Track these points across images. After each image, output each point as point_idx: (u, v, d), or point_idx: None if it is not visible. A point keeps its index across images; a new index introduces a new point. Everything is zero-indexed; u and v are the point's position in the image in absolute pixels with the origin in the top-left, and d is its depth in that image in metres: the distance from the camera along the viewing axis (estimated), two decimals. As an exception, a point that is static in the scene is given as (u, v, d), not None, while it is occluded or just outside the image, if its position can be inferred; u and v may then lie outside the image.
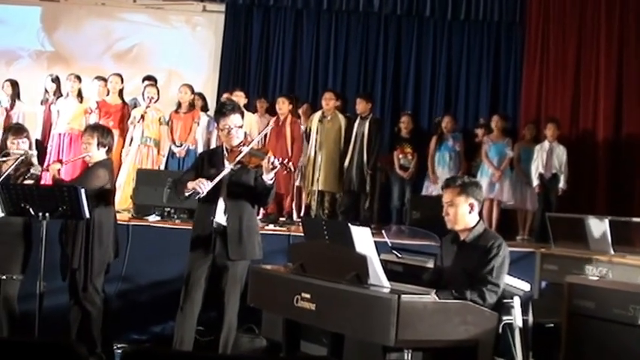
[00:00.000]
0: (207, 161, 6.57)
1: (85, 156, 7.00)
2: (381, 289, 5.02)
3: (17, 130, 7.21)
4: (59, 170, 7.18)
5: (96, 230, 6.73)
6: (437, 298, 4.99)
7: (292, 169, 6.42)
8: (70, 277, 6.81)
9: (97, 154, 6.91)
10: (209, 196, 6.28)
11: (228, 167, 6.28)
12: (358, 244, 5.19)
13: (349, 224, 5.34)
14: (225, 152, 6.46)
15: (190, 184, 6.20)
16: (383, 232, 7.44)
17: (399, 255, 6.80)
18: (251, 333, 7.77)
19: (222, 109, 6.54)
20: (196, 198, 6.29)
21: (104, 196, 6.84)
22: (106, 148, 6.97)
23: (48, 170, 7.18)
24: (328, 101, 10.71)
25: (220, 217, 6.40)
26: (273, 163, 6.07)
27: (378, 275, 5.08)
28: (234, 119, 6.42)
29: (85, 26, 14.18)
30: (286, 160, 6.25)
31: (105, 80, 11.22)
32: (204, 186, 6.13)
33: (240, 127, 6.48)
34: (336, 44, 13.46)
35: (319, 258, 5.45)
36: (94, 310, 6.85)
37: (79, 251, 6.69)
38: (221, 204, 6.39)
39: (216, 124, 6.90)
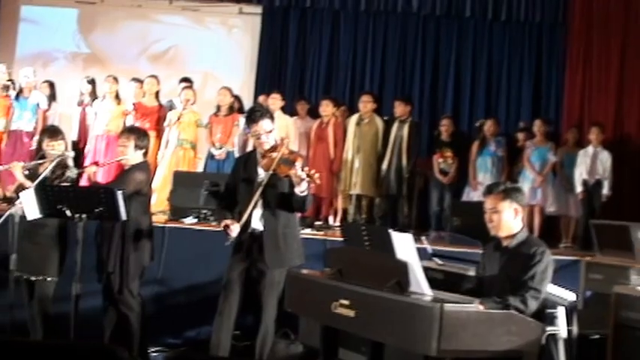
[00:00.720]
0: (243, 166, 6.59)
1: (121, 159, 7.00)
2: (422, 298, 4.94)
3: (52, 132, 7.26)
4: (95, 172, 7.20)
5: (132, 233, 6.75)
6: (481, 306, 4.91)
7: (318, 181, 6.32)
8: (105, 280, 6.83)
9: (134, 157, 6.91)
10: (246, 202, 6.27)
11: (261, 175, 6.29)
12: (399, 251, 5.12)
13: (390, 230, 5.27)
14: (258, 157, 6.45)
15: (223, 223, 6.31)
16: (423, 238, 7.39)
17: (440, 262, 6.75)
18: (287, 338, 7.71)
19: (252, 116, 6.51)
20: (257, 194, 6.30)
21: (141, 199, 6.86)
22: (143, 150, 6.98)
23: (84, 172, 7.20)
24: (366, 104, 10.67)
25: (257, 223, 6.38)
26: (300, 176, 6.04)
27: (419, 283, 5.01)
28: (264, 125, 6.39)
29: (121, 28, 14.32)
30: (312, 171, 6.15)
31: (141, 82, 11.31)
32: (232, 232, 6.23)
33: (270, 132, 6.44)
34: (374, 45, 13.40)
35: (358, 264, 5.38)
36: (130, 313, 6.86)
37: (115, 254, 6.72)
38: (257, 210, 6.37)
39: (248, 130, 6.86)
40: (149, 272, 7.28)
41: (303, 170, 6.06)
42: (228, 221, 6.26)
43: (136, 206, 6.75)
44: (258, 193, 6.22)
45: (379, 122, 10.67)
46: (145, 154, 7.08)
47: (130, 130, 7.20)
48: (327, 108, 10.83)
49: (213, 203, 7.77)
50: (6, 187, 7.27)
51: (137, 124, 10.23)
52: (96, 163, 7.61)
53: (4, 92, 11.13)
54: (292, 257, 6.47)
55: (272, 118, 6.55)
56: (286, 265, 6.40)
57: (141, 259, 6.86)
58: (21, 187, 6.84)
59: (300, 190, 6.11)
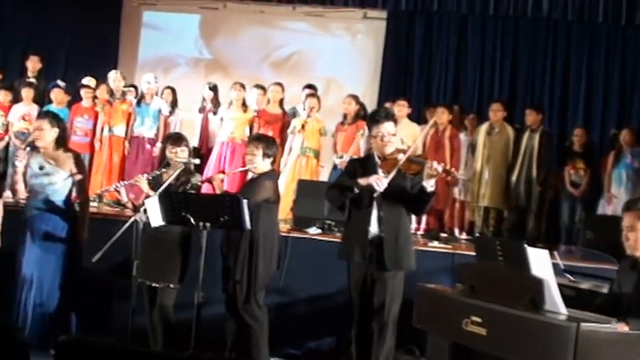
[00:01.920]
0: (360, 170, 6.53)
1: (250, 167, 7.07)
2: (557, 316, 4.86)
3: (176, 139, 7.37)
4: (222, 181, 7.29)
5: (260, 242, 6.79)
6: (625, 327, 4.79)
7: (456, 174, 6.29)
8: (231, 289, 6.89)
9: (262, 166, 6.97)
10: (363, 204, 6.27)
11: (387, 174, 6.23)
12: (534, 267, 5.05)
13: (526, 245, 5.20)
14: (377, 160, 6.44)
15: (363, 181, 6.21)
16: (556, 253, 7.25)
17: (573, 278, 6.62)
18: (411, 354, 7.67)
19: (376, 116, 6.55)
20: (375, 195, 6.24)
21: (269, 208, 6.91)
22: (271, 159, 7.04)
23: (210, 182, 7.27)
24: (496, 112, 10.59)
25: (375, 226, 6.37)
26: (436, 169, 5.99)
27: (554, 301, 4.93)
28: (387, 126, 6.39)
29: (244, 34, 14.52)
30: (448, 166, 6.13)
31: (264, 89, 11.41)
32: (382, 183, 6.14)
33: (394, 134, 6.44)
34: (503, 51, 13.28)
35: (491, 280, 5.31)
36: (255, 323, 6.92)
37: (242, 263, 6.78)
38: (375, 212, 6.36)
39: (369, 132, 6.84)
40: (271, 281, 7.33)
41: (439, 164, 6.02)
42: (377, 175, 6.20)
43: (264, 215, 6.81)
44: (391, 176, 6.17)
45: (510, 131, 10.58)
46: (273, 163, 7.14)
47: (257, 139, 7.24)
48: (442, 115, 10.74)
49: (337, 214, 7.76)
50: (130, 195, 7.40)
51: (260, 132, 10.37)
52: (222, 172, 7.69)
53: (121, 98, 11.38)
54: (409, 260, 6.47)
55: (395, 121, 6.56)
56: (404, 267, 6.43)
57: (269, 269, 6.92)
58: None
59: (430, 184, 6.09)
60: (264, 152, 6.93)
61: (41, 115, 8.04)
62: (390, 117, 6.53)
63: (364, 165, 6.59)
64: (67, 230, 7.22)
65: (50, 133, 7.17)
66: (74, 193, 7.37)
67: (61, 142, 7.27)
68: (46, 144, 7.18)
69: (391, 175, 6.16)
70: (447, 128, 10.72)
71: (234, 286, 6.85)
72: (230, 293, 6.93)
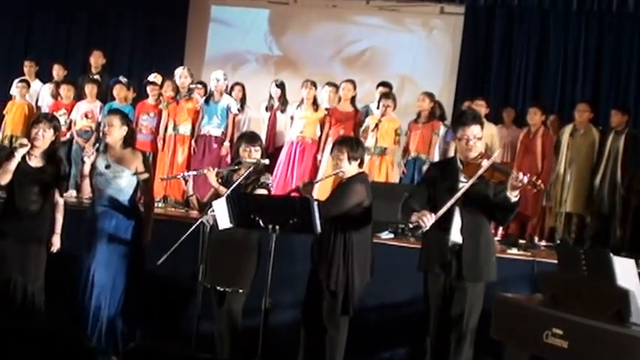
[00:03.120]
0: (440, 175, 6.48)
1: (337, 172, 7.01)
2: (643, 329, 4.82)
3: (251, 138, 7.35)
4: (312, 187, 7.26)
5: (355, 251, 6.74)
6: None
7: (542, 187, 6.19)
8: (322, 298, 6.84)
9: (350, 169, 6.91)
10: (444, 213, 6.20)
11: (463, 186, 6.14)
12: (620, 277, 4.99)
13: (611, 255, 5.13)
14: (459, 164, 6.37)
15: (413, 217, 6.08)
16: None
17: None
18: (487, 366, 7.62)
19: (462, 119, 6.41)
20: (420, 232, 6.18)
21: (363, 213, 6.84)
22: (358, 161, 6.97)
23: (298, 192, 7.19)
24: (582, 113, 10.48)
25: (456, 235, 6.29)
26: (521, 181, 5.91)
27: (641, 313, 4.88)
28: (474, 130, 6.28)
29: (315, 29, 14.58)
30: (535, 177, 6.04)
31: (335, 86, 11.43)
32: (427, 220, 5.99)
33: (480, 138, 6.35)
34: (586, 49, 13.05)
35: (574, 290, 5.27)
36: (336, 334, 6.84)
37: (337, 273, 6.72)
38: (457, 220, 6.28)
39: (453, 135, 6.77)
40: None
41: (524, 175, 5.93)
42: (425, 211, 6.03)
43: (357, 220, 6.76)
44: (450, 202, 6.07)
45: (595, 133, 10.45)
46: (361, 164, 7.08)
47: (341, 143, 7.11)
48: (534, 116, 10.62)
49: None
50: (201, 195, 7.38)
51: (331, 131, 10.40)
52: (311, 181, 7.68)
53: (187, 96, 11.43)
54: (489, 271, 6.36)
55: (482, 124, 6.46)
56: (484, 279, 6.33)
57: (363, 279, 6.86)
58: (215, 196, 6.90)
59: (514, 195, 5.96)
60: (349, 155, 6.87)
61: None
62: (478, 120, 6.42)
63: (444, 170, 6.53)
64: (131, 231, 7.19)
65: (119, 130, 7.21)
66: (139, 194, 7.41)
67: (129, 141, 7.31)
68: (113, 141, 7.23)
69: (442, 211, 6.04)
70: (539, 130, 10.61)
71: (330, 295, 6.78)
72: (310, 300, 6.93)
